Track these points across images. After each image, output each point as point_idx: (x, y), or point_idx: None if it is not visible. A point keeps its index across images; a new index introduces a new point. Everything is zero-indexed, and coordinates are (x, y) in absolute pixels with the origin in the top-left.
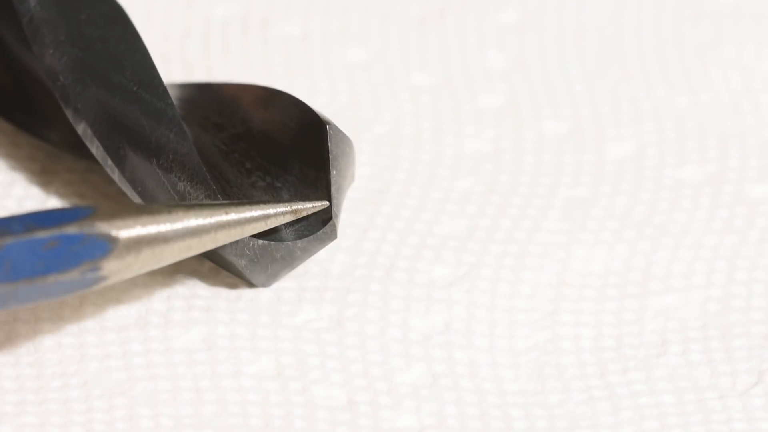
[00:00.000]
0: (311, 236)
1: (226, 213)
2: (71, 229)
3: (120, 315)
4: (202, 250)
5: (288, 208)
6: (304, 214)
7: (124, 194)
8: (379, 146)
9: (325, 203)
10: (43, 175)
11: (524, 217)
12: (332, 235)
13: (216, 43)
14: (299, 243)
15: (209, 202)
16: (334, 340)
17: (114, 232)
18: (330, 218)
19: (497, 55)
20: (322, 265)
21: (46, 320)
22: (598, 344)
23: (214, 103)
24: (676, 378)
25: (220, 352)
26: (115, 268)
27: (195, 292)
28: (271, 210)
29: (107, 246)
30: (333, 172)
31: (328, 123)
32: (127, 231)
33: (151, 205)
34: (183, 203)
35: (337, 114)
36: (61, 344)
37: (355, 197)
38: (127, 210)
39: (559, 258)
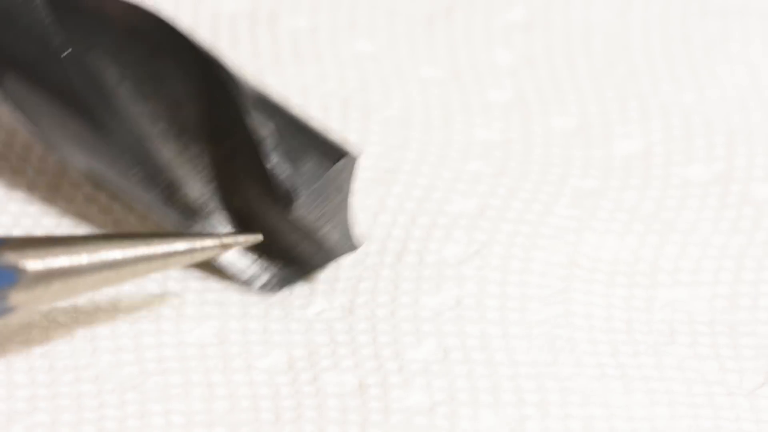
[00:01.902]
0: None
1: (148, 246)
2: None
3: (132, 308)
4: (121, 282)
5: (218, 242)
6: (234, 247)
7: (129, 215)
8: (390, 127)
9: (259, 237)
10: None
11: (535, 201)
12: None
13: (224, 37)
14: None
15: (132, 232)
16: (346, 328)
17: (21, 263)
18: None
19: (505, 52)
20: None
21: (59, 312)
22: (609, 325)
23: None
24: (684, 368)
25: (232, 347)
26: (23, 300)
27: (207, 285)
28: (197, 244)
29: (14, 277)
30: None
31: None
32: (36, 262)
33: (67, 236)
34: (103, 234)
35: (347, 98)
36: (73, 336)
37: (366, 177)
38: (39, 241)
39: (570, 241)
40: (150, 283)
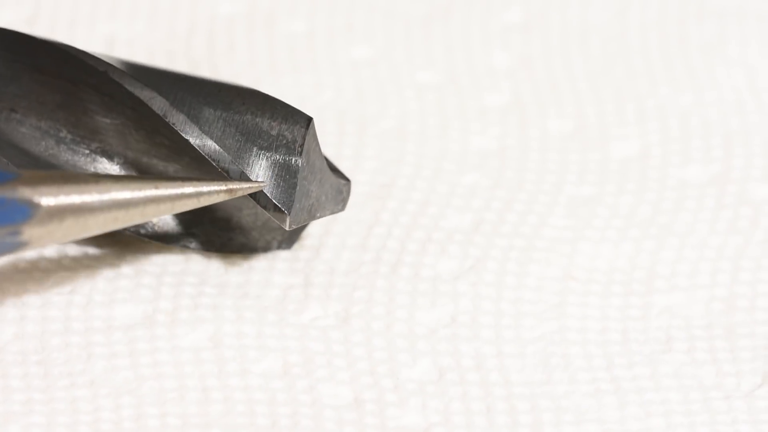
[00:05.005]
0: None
1: (156, 188)
2: None
3: (127, 314)
4: (129, 223)
5: (223, 187)
6: (240, 194)
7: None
8: (385, 141)
9: (264, 183)
10: None
11: (530, 213)
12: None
13: (221, 41)
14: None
15: (139, 175)
16: (341, 338)
17: (36, 198)
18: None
19: (502, 54)
20: (328, 263)
21: (53, 319)
22: (604, 337)
23: None
24: (681, 375)
25: (226, 351)
26: (37, 234)
27: (201, 290)
28: (204, 188)
29: (28, 211)
30: None
31: None
32: (49, 198)
33: (78, 173)
34: (113, 175)
35: (343, 110)
36: (68, 343)
37: (361, 192)
38: (51, 177)
39: (565, 253)
40: (143, 289)
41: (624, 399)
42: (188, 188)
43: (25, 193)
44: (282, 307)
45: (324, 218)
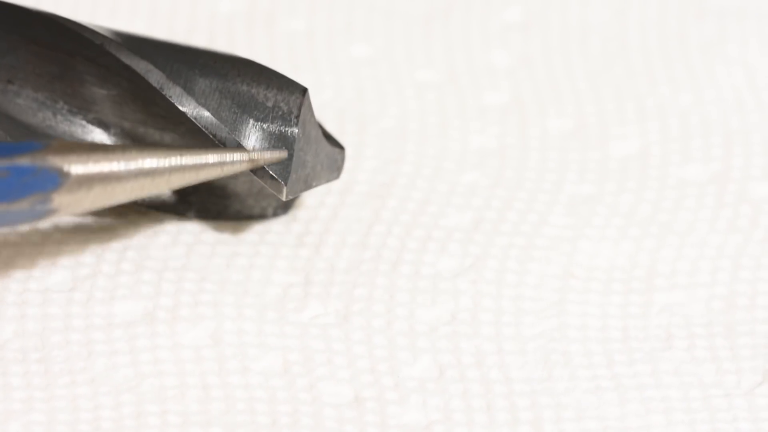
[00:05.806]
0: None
1: (181, 156)
2: (23, 161)
3: (127, 311)
4: (155, 191)
5: (245, 157)
6: (261, 164)
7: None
8: (385, 140)
9: (284, 154)
10: None
11: (530, 211)
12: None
13: (221, 39)
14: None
15: (164, 144)
16: (341, 336)
17: (66, 167)
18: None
19: (502, 53)
20: (328, 261)
21: (53, 317)
22: (604, 335)
23: None
24: (681, 373)
25: (227, 349)
26: (66, 202)
27: (202, 287)
28: (227, 157)
29: (58, 179)
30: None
31: None
32: (78, 166)
33: (105, 143)
34: (138, 144)
35: (343, 109)
36: (68, 341)
37: (361, 191)
38: (80, 146)
39: (565, 251)
40: (144, 285)
41: (624, 396)
42: (212, 158)
43: (55, 161)
44: (282, 305)
45: (325, 216)
